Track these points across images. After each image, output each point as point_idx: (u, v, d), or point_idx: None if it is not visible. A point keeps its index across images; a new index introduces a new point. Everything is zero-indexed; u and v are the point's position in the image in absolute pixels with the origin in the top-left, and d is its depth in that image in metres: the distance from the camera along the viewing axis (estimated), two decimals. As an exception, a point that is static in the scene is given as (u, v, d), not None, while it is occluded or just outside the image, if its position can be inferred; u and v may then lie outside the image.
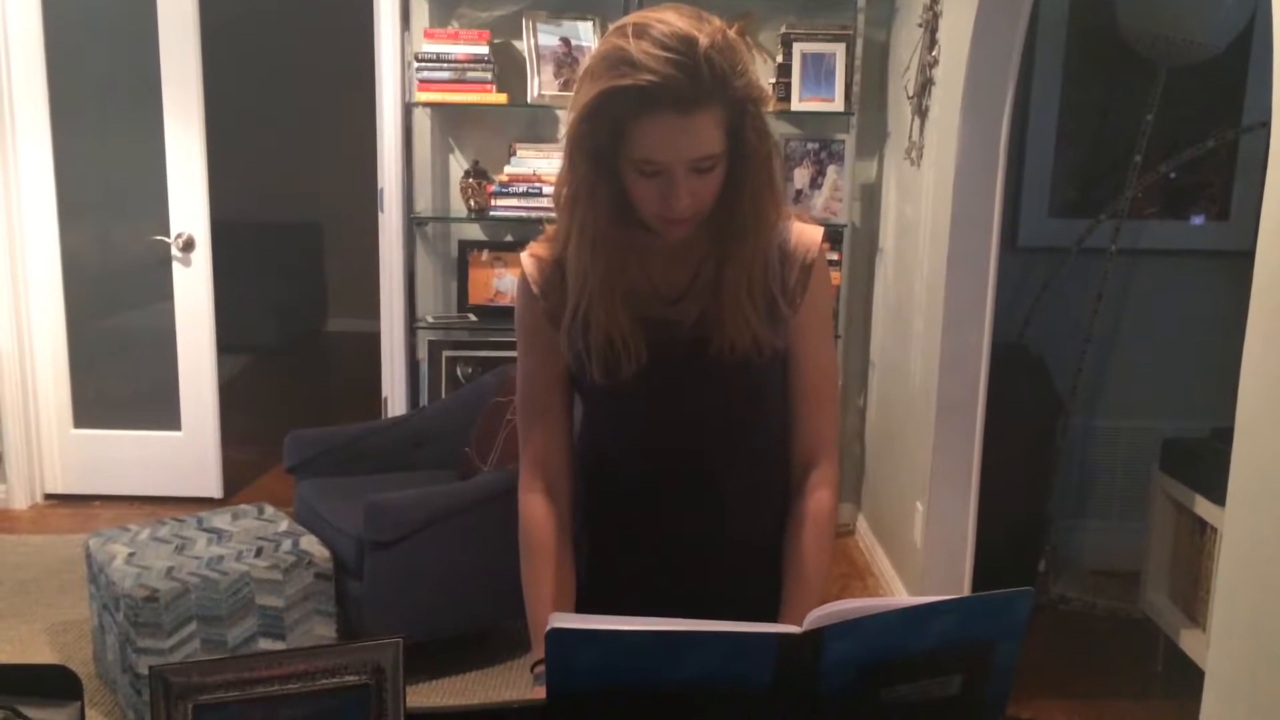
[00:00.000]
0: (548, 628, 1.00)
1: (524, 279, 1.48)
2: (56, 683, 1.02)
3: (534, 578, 1.48)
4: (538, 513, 1.48)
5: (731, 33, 1.30)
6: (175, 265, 4.32)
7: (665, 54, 1.23)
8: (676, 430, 1.45)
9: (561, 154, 1.38)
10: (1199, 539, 3.07)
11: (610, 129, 1.29)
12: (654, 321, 1.41)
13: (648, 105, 1.25)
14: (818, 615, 1.01)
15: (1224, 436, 1.79)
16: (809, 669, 1.01)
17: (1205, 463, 2.99)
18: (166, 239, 4.30)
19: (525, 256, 1.48)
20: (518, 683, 3.13)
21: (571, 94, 1.33)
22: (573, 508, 1.51)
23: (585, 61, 1.33)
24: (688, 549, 1.48)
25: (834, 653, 1.00)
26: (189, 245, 4.30)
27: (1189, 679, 1.93)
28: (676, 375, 1.42)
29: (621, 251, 1.38)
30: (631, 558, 1.50)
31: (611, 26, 1.32)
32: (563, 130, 4.22)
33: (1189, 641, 3.03)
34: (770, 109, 1.36)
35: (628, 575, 1.50)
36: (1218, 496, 1.80)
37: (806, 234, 1.45)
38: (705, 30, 1.26)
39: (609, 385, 1.41)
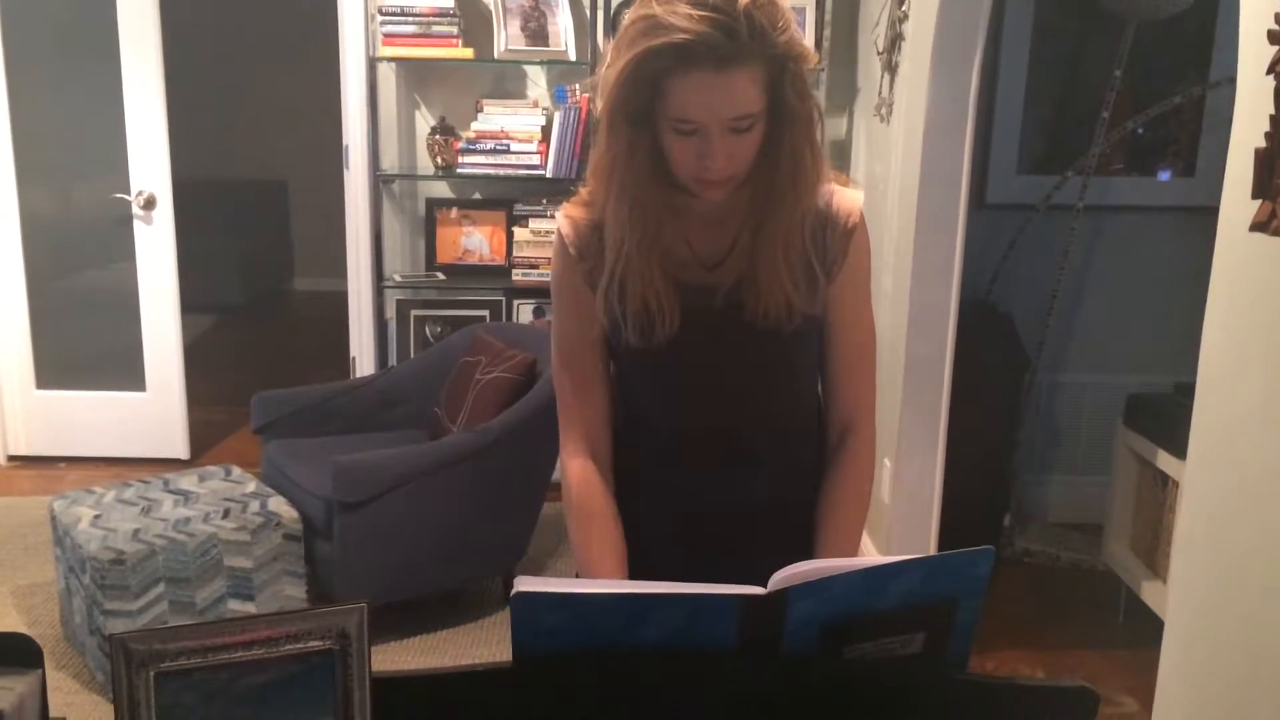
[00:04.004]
0: (512, 591, 1.00)
1: (561, 241, 1.46)
2: (16, 651, 1.01)
3: (587, 544, 1.46)
4: (586, 478, 1.47)
5: None
6: (137, 224, 4.25)
7: (701, 12, 1.22)
8: (710, 394, 1.45)
9: (596, 125, 1.36)
10: (1161, 492, 3.12)
11: (649, 89, 1.28)
12: (691, 286, 1.41)
13: (684, 62, 1.24)
14: (781, 576, 1.01)
15: (1187, 391, 1.81)
16: (773, 629, 1.01)
17: (1168, 417, 3.02)
18: (127, 197, 4.22)
19: (561, 218, 1.47)
20: (489, 641, 3.14)
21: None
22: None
23: (614, 39, 1.32)
24: (720, 512, 1.49)
25: (798, 612, 1.01)
26: (150, 203, 4.22)
27: (1150, 629, 1.96)
28: (711, 340, 1.42)
29: (660, 214, 1.37)
30: (663, 520, 1.50)
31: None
32: (533, 90, 4.13)
33: (1150, 593, 3.08)
34: (813, 67, 1.35)
35: (658, 537, 1.49)
36: (1180, 450, 1.83)
37: (848, 198, 1.44)
38: None
39: (643, 349, 1.40)
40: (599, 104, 1.34)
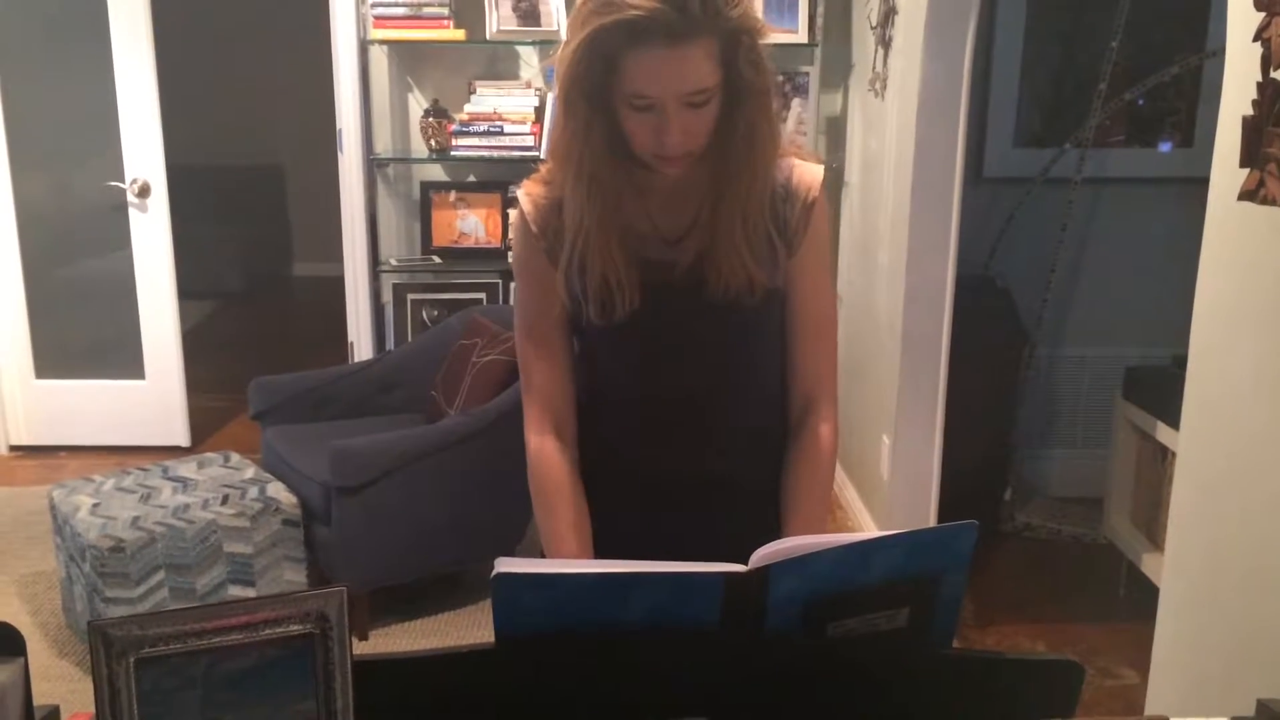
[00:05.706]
0: (493, 572, 0.99)
1: (522, 218, 1.45)
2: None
3: (553, 522, 1.46)
4: (551, 456, 1.46)
5: None
6: (132, 211, 4.25)
7: None
8: (671, 371, 1.45)
9: (554, 103, 1.35)
10: (1160, 465, 3.11)
11: (603, 65, 1.27)
12: (652, 262, 1.40)
13: (637, 38, 1.23)
14: (764, 553, 1.01)
15: (1184, 363, 1.80)
16: (756, 606, 1.01)
17: (1166, 390, 3.00)
18: (121, 185, 4.21)
19: (521, 195, 1.46)
20: (489, 623, 3.14)
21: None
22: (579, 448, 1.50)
23: (571, 16, 1.30)
24: (682, 489, 1.48)
25: (781, 589, 1.00)
26: (145, 191, 4.21)
27: (1150, 602, 1.96)
28: (671, 316, 1.41)
29: (618, 191, 1.37)
30: (625, 496, 1.50)
31: None
32: (526, 70, 4.11)
33: (1150, 565, 3.08)
34: (768, 41, 1.34)
35: (623, 512, 1.49)
36: (1178, 422, 1.81)
37: (808, 172, 1.43)
38: None
39: (604, 326, 1.40)
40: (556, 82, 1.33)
